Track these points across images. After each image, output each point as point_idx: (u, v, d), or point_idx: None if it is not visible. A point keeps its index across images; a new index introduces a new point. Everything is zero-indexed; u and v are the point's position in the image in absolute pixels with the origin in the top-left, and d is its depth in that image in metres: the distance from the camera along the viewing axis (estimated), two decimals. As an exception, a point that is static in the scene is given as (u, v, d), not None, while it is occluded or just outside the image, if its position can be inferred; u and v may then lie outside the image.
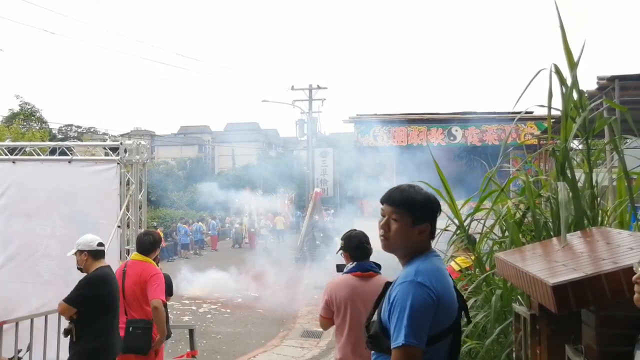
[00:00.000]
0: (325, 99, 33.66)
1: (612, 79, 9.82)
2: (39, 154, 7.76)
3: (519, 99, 3.61)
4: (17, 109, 30.91)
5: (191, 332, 7.23)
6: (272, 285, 16.88)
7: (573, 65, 3.42)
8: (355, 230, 4.43)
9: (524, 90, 3.57)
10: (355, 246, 4.23)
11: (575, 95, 3.44)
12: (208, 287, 16.90)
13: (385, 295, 2.49)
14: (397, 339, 2.24)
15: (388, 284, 2.58)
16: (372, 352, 2.52)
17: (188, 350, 7.28)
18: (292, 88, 32.85)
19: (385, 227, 2.50)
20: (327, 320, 4.31)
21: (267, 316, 14.26)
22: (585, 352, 2.26)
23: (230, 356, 10.63)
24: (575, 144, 3.78)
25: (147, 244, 5.68)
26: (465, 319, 2.57)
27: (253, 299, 15.89)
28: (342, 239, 4.35)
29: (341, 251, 4.33)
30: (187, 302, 15.52)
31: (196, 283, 17.22)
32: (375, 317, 2.50)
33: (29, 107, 31.24)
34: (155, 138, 53.07)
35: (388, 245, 2.51)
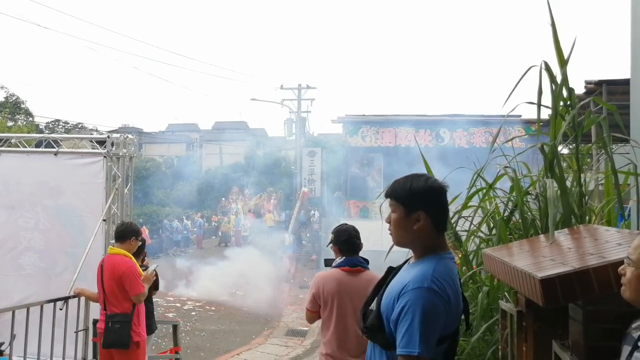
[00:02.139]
0: (314, 99, 33.55)
1: (599, 83, 9.90)
2: (24, 146, 7.66)
3: (509, 96, 3.60)
4: (3, 99, 30.62)
5: (175, 328, 7.18)
6: (257, 284, 16.84)
7: (563, 62, 3.42)
8: (346, 224, 4.42)
9: (514, 87, 3.56)
10: (345, 240, 4.21)
11: (564, 93, 3.44)
12: (193, 285, 16.84)
13: (388, 283, 2.39)
14: (409, 347, 2.14)
15: (391, 269, 2.49)
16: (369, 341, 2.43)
17: (172, 346, 7.23)
18: (282, 87, 32.80)
19: (388, 220, 2.41)
20: (314, 313, 4.29)
21: (252, 314, 14.23)
22: (573, 347, 2.25)
23: (214, 353, 10.59)
24: (562, 148, 3.78)
25: (117, 232, 5.76)
26: (465, 325, 2.49)
27: (238, 297, 15.84)
28: (332, 233, 4.34)
29: (331, 244, 4.32)
30: (171, 299, 15.46)
31: (182, 280, 17.16)
32: (373, 306, 2.39)
33: (14, 98, 30.93)
34: (143, 135, 52.73)
35: (394, 239, 2.41)
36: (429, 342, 2.14)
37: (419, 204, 2.31)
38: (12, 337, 5.50)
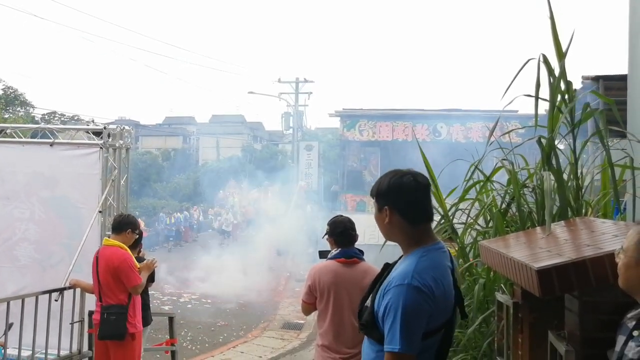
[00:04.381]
0: (312, 93, 33.51)
1: (596, 78, 9.89)
2: (20, 137, 7.62)
3: (507, 88, 3.59)
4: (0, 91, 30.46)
5: (171, 320, 7.17)
6: (253, 277, 16.85)
7: (561, 55, 3.42)
8: (342, 216, 4.42)
9: (513, 79, 3.56)
10: (341, 232, 4.21)
11: (562, 86, 3.44)
12: (190, 278, 16.84)
13: (384, 279, 2.43)
14: (391, 344, 2.22)
15: (387, 265, 2.54)
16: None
17: (167, 338, 7.22)
18: (279, 81, 32.76)
19: None
20: (309, 305, 4.29)
21: (248, 307, 14.24)
22: (569, 337, 2.26)
23: (211, 346, 10.61)
24: (558, 142, 3.78)
25: (113, 223, 5.78)
26: (460, 315, 2.51)
27: (234, 290, 15.84)
28: (328, 224, 4.34)
29: (326, 236, 4.32)
30: (167, 292, 15.45)
31: (177, 273, 17.16)
32: (369, 303, 2.44)
33: (12, 91, 30.78)
34: (140, 128, 52.54)
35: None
36: (412, 338, 2.20)
37: (384, 201, 2.43)
38: (8, 326, 5.48)
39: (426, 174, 4.24)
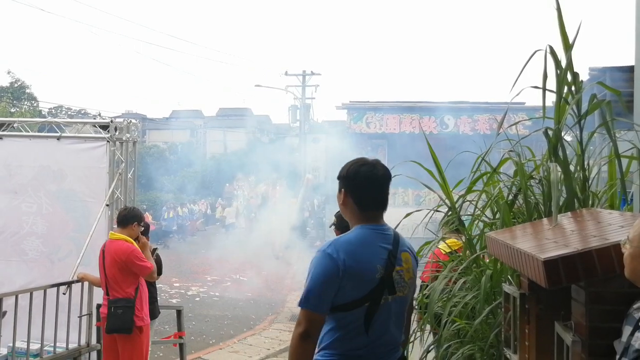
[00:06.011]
0: (319, 85, 33.55)
1: (603, 70, 9.85)
2: (27, 131, 7.65)
3: (516, 81, 3.56)
4: (7, 85, 30.62)
5: (179, 313, 7.20)
6: (261, 269, 16.88)
7: (568, 46, 3.40)
8: None
9: (521, 71, 3.52)
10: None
11: (569, 77, 3.42)
12: (197, 271, 16.89)
13: None
14: (300, 301, 2.48)
15: None
16: None
17: (175, 331, 7.26)
18: (286, 73, 32.76)
19: None
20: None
21: (256, 300, 14.28)
22: (575, 328, 2.25)
23: (218, 338, 10.64)
24: (564, 133, 3.75)
25: (119, 216, 5.82)
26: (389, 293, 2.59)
27: (242, 283, 15.88)
28: (335, 216, 4.34)
29: (333, 227, 4.32)
30: (175, 284, 15.51)
31: (185, 266, 17.22)
32: None
33: (18, 83, 30.93)
34: (147, 121, 52.53)
35: None
36: (318, 299, 2.44)
37: (342, 184, 2.72)
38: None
39: (433, 165, 4.25)
